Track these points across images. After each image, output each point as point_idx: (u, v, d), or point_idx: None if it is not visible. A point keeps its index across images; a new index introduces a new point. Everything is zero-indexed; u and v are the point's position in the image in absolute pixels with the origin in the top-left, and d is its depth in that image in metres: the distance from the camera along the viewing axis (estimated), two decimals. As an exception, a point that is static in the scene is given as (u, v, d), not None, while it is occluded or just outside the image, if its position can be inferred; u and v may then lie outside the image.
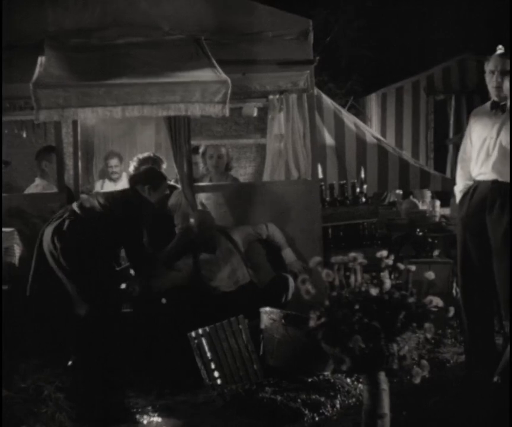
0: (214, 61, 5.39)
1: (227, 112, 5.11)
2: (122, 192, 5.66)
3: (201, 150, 6.72)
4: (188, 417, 4.42)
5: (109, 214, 5.27)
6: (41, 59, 5.35)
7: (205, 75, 5.24)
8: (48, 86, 4.91)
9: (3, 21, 5.56)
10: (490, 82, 4.71)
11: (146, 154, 6.61)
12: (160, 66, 5.32)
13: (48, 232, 5.20)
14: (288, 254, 5.89)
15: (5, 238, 5.41)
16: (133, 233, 5.29)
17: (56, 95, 4.86)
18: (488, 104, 4.80)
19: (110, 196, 5.50)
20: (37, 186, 6.61)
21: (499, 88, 4.66)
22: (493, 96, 4.73)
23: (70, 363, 5.10)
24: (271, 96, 6.57)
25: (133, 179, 5.65)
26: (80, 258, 5.11)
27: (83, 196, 5.71)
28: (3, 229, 5.43)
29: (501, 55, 4.66)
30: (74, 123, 6.25)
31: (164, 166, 6.44)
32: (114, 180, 7.46)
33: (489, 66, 4.70)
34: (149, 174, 5.63)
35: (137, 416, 4.44)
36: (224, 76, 5.16)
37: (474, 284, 4.81)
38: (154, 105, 5.01)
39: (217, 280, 5.57)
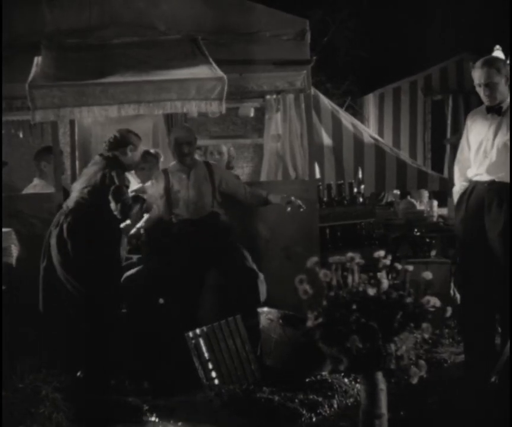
0: (211, 60, 5.38)
1: (223, 109, 5.10)
2: (94, 169, 5.28)
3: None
4: (185, 417, 4.40)
5: (92, 199, 5.10)
6: (37, 59, 5.36)
7: (201, 72, 5.22)
8: (44, 86, 4.91)
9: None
10: (479, 92, 4.74)
11: (151, 149, 6.54)
12: (156, 65, 5.31)
13: (53, 243, 5.14)
14: (274, 196, 5.61)
15: (2, 239, 5.39)
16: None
17: (52, 95, 4.85)
18: (484, 106, 4.81)
19: (86, 180, 5.22)
20: (35, 186, 6.59)
21: (488, 97, 4.68)
22: (486, 103, 4.75)
23: (79, 373, 4.99)
24: (268, 97, 6.58)
25: (112, 145, 5.28)
26: (89, 256, 5.04)
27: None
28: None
29: (482, 67, 4.67)
30: (72, 123, 6.27)
31: (162, 159, 6.43)
32: None
33: (474, 79, 4.72)
34: (123, 136, 5.29)
35: (135, 416, 4.42)
36: (220, 72, 5.14)
37: (473, 284, 4.82)
38: (150, 103, 4.99)
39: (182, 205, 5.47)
